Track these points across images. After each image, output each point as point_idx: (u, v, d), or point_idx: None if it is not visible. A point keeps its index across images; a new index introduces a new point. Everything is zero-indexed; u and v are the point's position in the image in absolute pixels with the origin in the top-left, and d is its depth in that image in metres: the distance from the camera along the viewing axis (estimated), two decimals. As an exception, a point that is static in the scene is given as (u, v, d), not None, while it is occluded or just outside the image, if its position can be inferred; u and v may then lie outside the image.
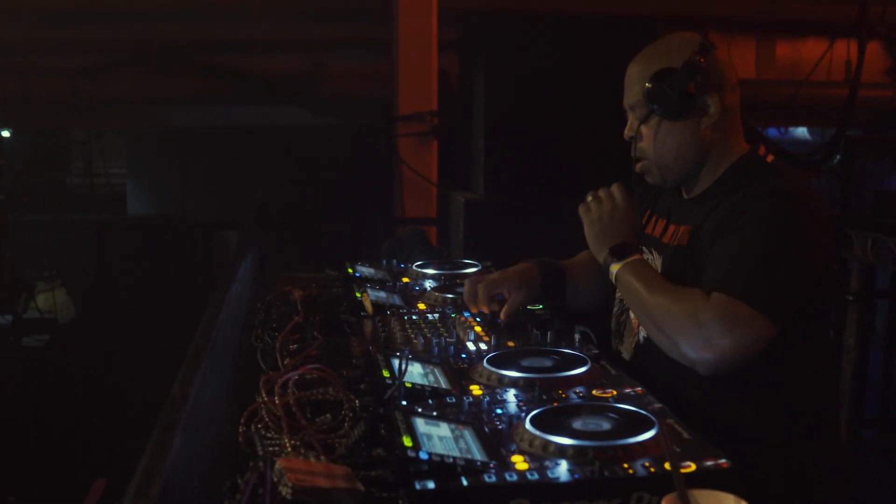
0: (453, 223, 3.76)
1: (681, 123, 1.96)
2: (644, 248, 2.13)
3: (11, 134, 7.04)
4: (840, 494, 2.05)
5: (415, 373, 1.78)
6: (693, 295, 1.80)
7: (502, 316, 2.21)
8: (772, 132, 7.10)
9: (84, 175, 7.98)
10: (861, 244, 4.77)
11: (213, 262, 5.76)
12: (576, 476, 1.33)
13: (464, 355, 1.96)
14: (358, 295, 2.45)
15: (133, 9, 5.09)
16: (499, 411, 1.60)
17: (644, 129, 2.00)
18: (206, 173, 6.07)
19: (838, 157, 5.87)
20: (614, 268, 1.96)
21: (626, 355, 2.12)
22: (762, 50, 6.13)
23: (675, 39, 2.02)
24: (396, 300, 2.48)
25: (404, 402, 1.63)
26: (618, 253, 1.97)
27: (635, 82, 2.00)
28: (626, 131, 2.06)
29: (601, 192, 2.08)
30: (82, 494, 4.33)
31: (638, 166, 2.06)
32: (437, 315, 2.31)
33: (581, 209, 2.11)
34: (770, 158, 1.99)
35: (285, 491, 1.30)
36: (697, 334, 1.76)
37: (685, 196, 2.08)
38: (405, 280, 2.75)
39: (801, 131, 7.75)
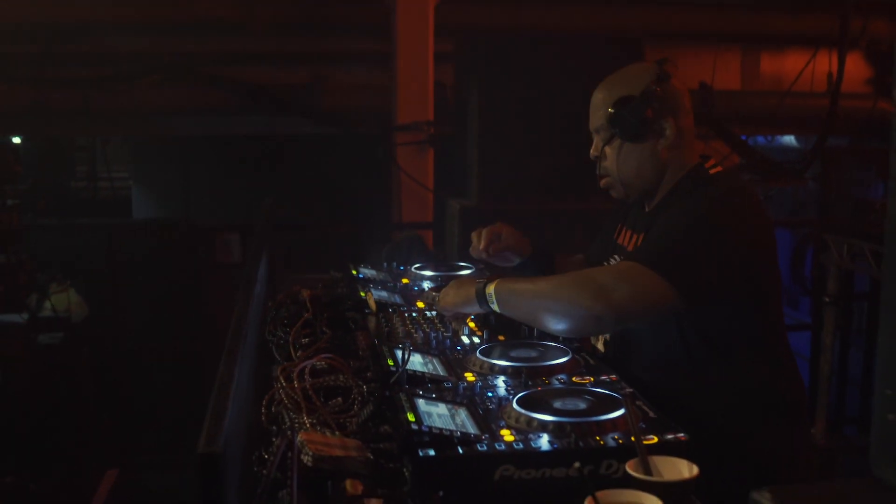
0: (448, 228, 3.98)
1: (640, 145, 2.19)
2: (616, 255, 2.37)
3: (21, 141, 7.27)
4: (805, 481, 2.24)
5: (415, 362, 2.01)
6: (582, 271, 2.07)
7: (491, 251, 2.50)
8: (760, 140, 7.32)
9: (88, 179, 8.19)
10: (838, 249, 5.00)
11: (215, 263, 5.97)
12: (554, 446, 1.56)
13: (459, 347, 2.19)
14: (363, 294, 2.67)
15: (143, 23, 5.30)
16: (490, 394, 1.83)
17: (608, 149, 2.24)
18: (208, 179, 6.28)
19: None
20: (489, 288, 2.14)
21: (600, 346, 2.35)
22: (747, 62, 6.36)
23: (634, 69, 2.25)
24: (397, 299, 2.70)
25: (407, 386, 1.85)
26: (483, 282, 2.18)
27: (599, 108, 2.24)
28: (591, 151, 2.29)
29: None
30: (95, 484, 4.52)
31: (602, 182, 2.30)
32: (434, 312, 2.53)
33: (436, 306, 2.37)
34: (714, 170, 2.22)
35: (306, 459, 1.53)
36: (595, 289, 1.95)
37: (646, 209, 2.31)
38: (405, 281, 2.97)
39: (789, 139, 7.96)
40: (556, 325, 2.00)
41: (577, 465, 1.39)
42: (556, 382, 1.93)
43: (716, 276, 2.00)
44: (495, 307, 2.13)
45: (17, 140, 7.00)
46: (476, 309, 2.21)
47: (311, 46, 5.22)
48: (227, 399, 1.29)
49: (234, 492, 1.36)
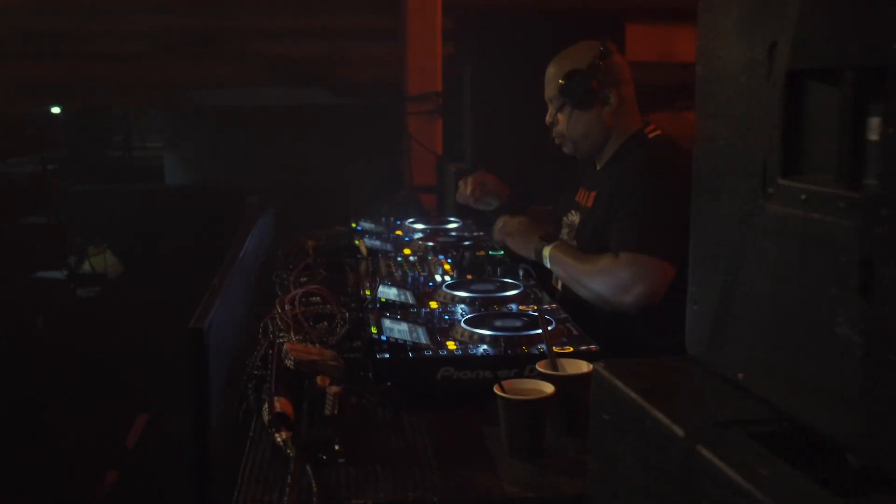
0: (447, 189, 4.33)
1: (587, 112, 2.55)
2: (573, 210, 2.72)
3: (61, 111, 7.70)
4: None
5: (390, 293, 2.38)
6: (606, 258, 2.39)
7: (477, 194, 3.02)
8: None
9: (124, 148, 8.62)
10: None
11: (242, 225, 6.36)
12: (487, 352, 1.92)
13: (431, 283, 2.55)
14: (357, 242, 3.05)
15: (171, 2, 5.69)
16: (446, 318, 2.20)
17: (560, 116, 2.59)
18: (236, 148, 6.66)
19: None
20: (546, 250, 2.56)
21: (559, 286, 2.70)
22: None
23: (581, 46, 2.59)
24: (389, 247, 3.07)
25: (377, 307, 2.23)
26: (544, 240, 2.58)
27: (551, 80, 2.59)
28: (547, 118, 2.64)
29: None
30: (126, 427, 4.93)
31: (556, 141, 2.66)
32: (417, 257, 2.89)
33: (499, 232, 2.79)
34: (653, 135, 2.56)
35: (289, 363, 1.90)
36: (616, 285, 2.34)
37: (597, 167, 2.67)
38: (398, 233, 3.34)
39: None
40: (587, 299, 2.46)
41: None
42: (505, 309, 2.29)
43: (684, 236, 2.35)
44: (546, 264, 2.58)
45: (56, 110, 7.43)
46: (528, 255, 2.64)
47: (329, 22, 5.57)
48: (217, 296, 1.66)
49: (221, 375, 1.74)
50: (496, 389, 1.62)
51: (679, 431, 1.06)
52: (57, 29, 5.78)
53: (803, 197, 1.02)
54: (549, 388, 1.63)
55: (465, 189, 3.07)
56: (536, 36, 3.66)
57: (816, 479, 0.93)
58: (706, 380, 1.23)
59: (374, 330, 2.01)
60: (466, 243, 2.97)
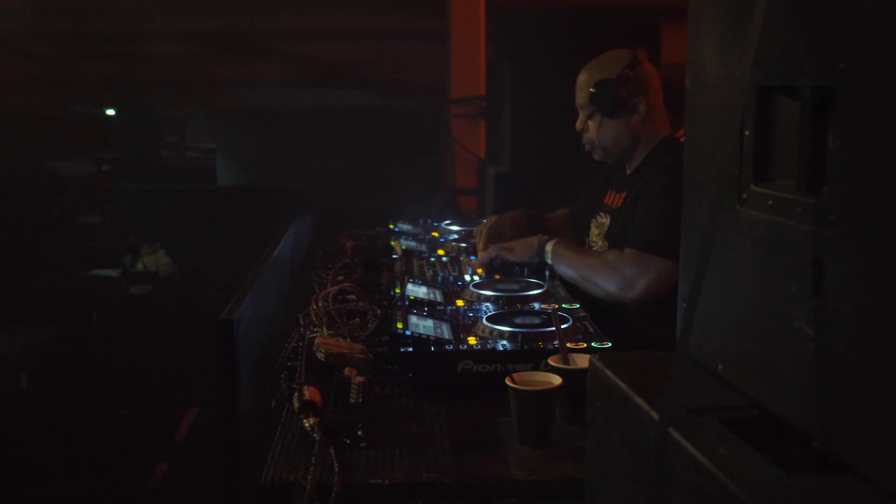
0: (487, 191, 4.44)
1: (616, 120, 2.64)
2: (602, 212, 2.81)
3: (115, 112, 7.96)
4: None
5: (420, 292, 2.50)
6: (611, 253, 2.49)
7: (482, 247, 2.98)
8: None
9: (177, 149, 8.86)
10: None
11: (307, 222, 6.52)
12: (505, 347, 2.03)
13: (460, 283, 2.66)
14: (392, 243, 3.17)
15: (218, 3, 5.87)
16: (471, 315, 2.31)
17: (590, 123, 2.69)
18: (286, 149, 6.83)
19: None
20: (549, 246, 2.64)
21: None
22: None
23: (611, 55, 2.68)
24: (423, 248, 3.19)
25: (406, 304, 2.34)
26: (545, 239, 2.67)
27: (582, 88, 2.69)
28: (577, 124, 2.74)
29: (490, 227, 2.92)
30: (176, 421, 5.10)
31: (587, 147, 2.75)
32: (450, 258, 3.01)
33: (498, 252, 2.81)
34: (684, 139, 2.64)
35: (320, 355, 2.03)
36: (620, 280, 2.44)
37: (627, 171, 2.76)
38: (434, 234, 3.46)
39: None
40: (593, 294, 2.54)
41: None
42: (528, 307, 2.39)
43: None
44: (549, 261, 2.66)
45: (111, 111, 7.67)
46: (531, 259, 2.72)
47: (374, 23, 5.70)
48: (248, 291, 1.79)
49: (250, 365, 1.87)
50: (507, 381, 1.73)
51: (654, 416, 1.16)
52: (105, 28, 5.98)
53: (770, 202, 1.12)
54: (556, 381, 1.73)
55: (479, 239, 3.03)
56: (574, 38, 3.75)
57: (772, 460, 1.02)
58: (691, 372, 1.33)
59: (399, 325, 2.13)
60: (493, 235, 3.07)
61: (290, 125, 7.04)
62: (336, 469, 1.58)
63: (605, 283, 2.48)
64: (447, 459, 1.66)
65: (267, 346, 2.12)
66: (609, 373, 1.34)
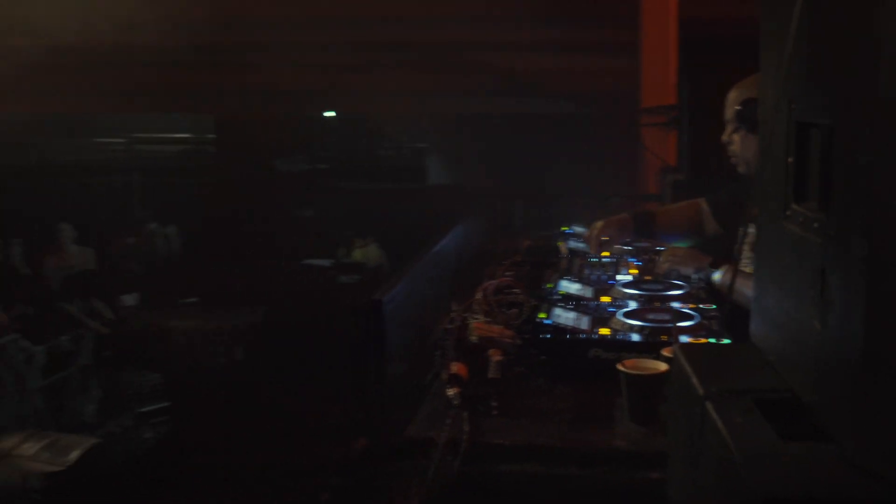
0: (665, 198, 4.63)
1: (758, 137, 2.80)
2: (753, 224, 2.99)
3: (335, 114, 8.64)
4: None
5: (572, 288, 2.78)
6: None
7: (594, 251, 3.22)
8: None
9: (392, 150, 9.47)
10: None
11: (495, 225, 6.92)
12: (631, 338, 2.28)
13: (611, 282, 2.92)
14: (559, 244, 3.46)
15: (423, 15, 6.31)
16: (611, 310, 2.56)
17: (735, 136, 2.87)
18: (485, 152, 7.24)
19: None
20: (717, 276, 2.82)
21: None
22: None
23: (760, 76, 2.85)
24: (587, 248, 3.46)
25: (555, 298, 2.63)
26: (713, 266, 2.85)
27: (730, 104, 2.87)
28: (723, 137, 2.93)
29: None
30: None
31: (732, 160, 2.93)
32: (612, 259, 3.26)
33: (667, 261, 3.00)
34: None
35: (473, 338, 2.36)
36: None
37: None
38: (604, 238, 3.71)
39: None
40: None
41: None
42: (664, 306, 2.62)
43: None
44: (716, 277, 2.86)
45: (330, 114, 8.34)
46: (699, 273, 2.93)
47: (565, 35, 5.98)
48: (401, 278, 2.15)
49: (398, 340, 2.22)
50: (619, 366, 1.99)
51: (700, 392, 1.40)
52: (316, 40, 6.56)
53: (801, 219, 1.34)
54: (663, 367, 1.98)
55: (589, 242, 3.35)
56: (751, 52, 3.89)
57: (780, 431, 1.25)
58: (754, 361, 1.56)
59: (542, 315, 2.42)
60: (659, 249, 3.29)
61: (488, 131, 7.46)
62: (465, 429, 1.90)
63: None
64: (562, 429, 1.95)
65: (421, 328, 2.47)
66: (683, 359, 1.58)
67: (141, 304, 6.20)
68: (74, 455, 3.26)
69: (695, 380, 1.47)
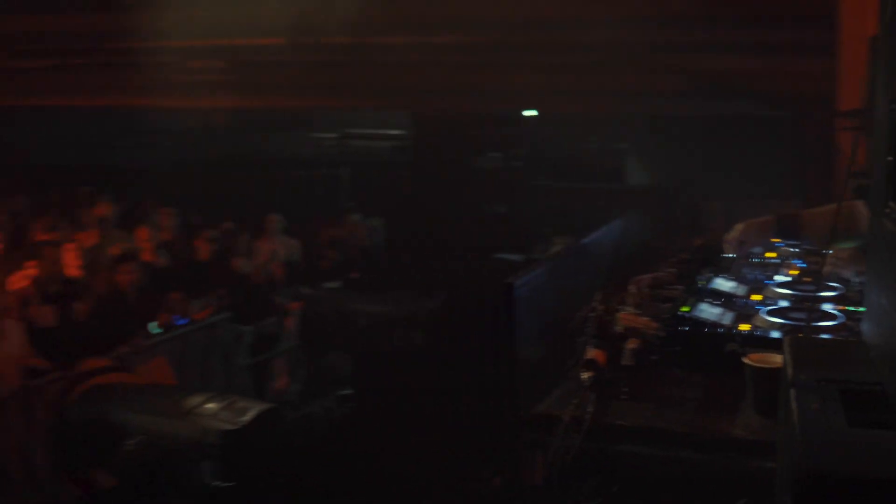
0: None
1: None
2: None
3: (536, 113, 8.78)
4: None
5: (727, 285, 2.82)
6: None
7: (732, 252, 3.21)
8: None
9: (592, 149, 9.52)
10: None
11: (697, 224, 6.85)
12: (770, 335, 2.32)
13: (768, 282, 2.93)
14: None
15: (618, 17, 6.33)
16: (758, 308, 2.59)
17: None
18: (678, 152, 7.20)
19: None
20: None
21: None
22: None
23: None
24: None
25: (704, 294, 2.69)
26: None
27: None
28: None
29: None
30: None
31: None
32: (778, 260, 3.25)
33: (833, 269, 2.92)
34: None
35: (619, 327, 2.47)
36: None
37: None
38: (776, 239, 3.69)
39: None
40: None
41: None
42: (812, 307, 2.62)
43: None
44: None
45: (531, 113, 8.49)
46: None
47: (761, 35, 5.85)
48: (541, 265, 2.28)
49: (530, 326, 2.35)
50: (744, 358, 2.05)
51: (790, 378, 1.47)
52: (528, 42, 6.70)
53: (895, 216, 1.39)
54: (788, 362, 2.02)
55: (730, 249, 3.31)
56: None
57: (854, 419, 1.31)
58: (855, 356, 1.60)
59: (684, 309, 2.50)
60: (825, 251, 3.25)
61: (684, 132, 7.40)
62: (590, 409, 2.03)
63: None
64: (686, 415, 2.03)
65: (562, 316, 2.59)
66: (787, 350, 1.64)
67: (338, 291, 6.54)
68: (249, 416, 3.56)
69: (790, 369, 1.54)
